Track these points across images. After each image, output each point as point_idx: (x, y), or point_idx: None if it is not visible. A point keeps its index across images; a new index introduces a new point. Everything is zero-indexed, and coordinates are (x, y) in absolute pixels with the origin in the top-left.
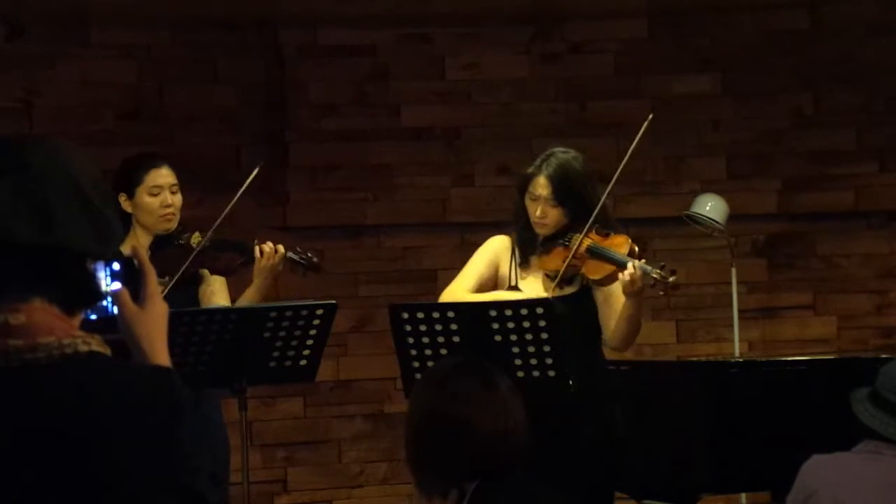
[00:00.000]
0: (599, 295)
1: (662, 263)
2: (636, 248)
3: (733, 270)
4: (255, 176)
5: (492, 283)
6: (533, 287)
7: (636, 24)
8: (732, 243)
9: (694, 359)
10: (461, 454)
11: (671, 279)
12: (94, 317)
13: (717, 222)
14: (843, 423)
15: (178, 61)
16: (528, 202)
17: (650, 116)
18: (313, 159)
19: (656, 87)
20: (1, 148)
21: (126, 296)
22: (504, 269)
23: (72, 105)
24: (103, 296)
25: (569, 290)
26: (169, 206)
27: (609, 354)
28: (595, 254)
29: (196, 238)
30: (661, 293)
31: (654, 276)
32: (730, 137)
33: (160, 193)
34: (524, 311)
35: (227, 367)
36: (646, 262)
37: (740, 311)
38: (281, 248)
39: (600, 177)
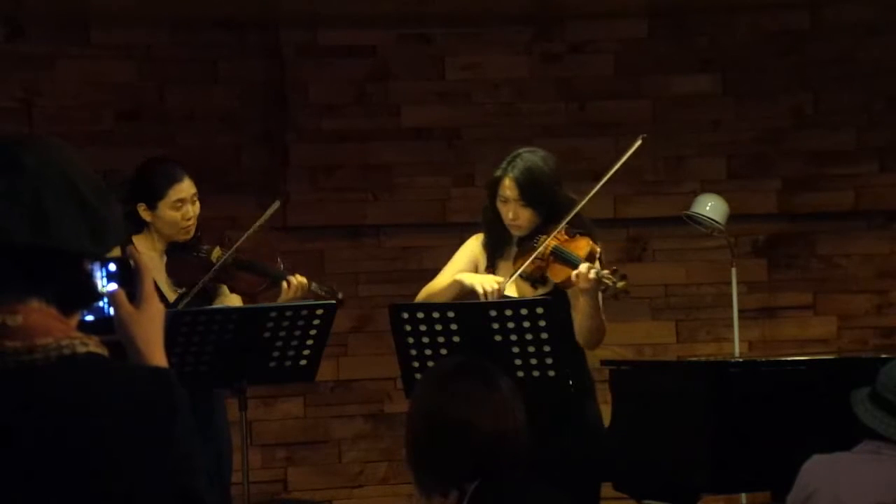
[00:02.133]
0: (569, 295)
1: (614, 268)
2: (596, 251)
3: (733, 270)
4: (274, 209)
5: None
6: (507, 288)
7: (636, 24)
8: (732, 243)
9: (694, 359)
10: (461, 454)
11: (619, 284)
12: (90, 318)
13: (717, 222)
14: (843, 423)
15: (178, 61)
16: (499, 205)
17: (640, 139)
18: (313, 159)
19: (656, 87)
20: None
21: (122, 297)
22: (482, 268)
23: (72, 105)
24: (100, 296)
25: (542, 291)
26: (190, 218)
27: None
28: (557, 256)
29: (216, 253)
30: (613, 297)
31: (606, 281)
32: (730, 137)
33: (182, 207)
34: (524, 311)
35: (228, 367)
36: (601, 267)
37: (740, 311)
38: (304, 280)
39: (600, 176)
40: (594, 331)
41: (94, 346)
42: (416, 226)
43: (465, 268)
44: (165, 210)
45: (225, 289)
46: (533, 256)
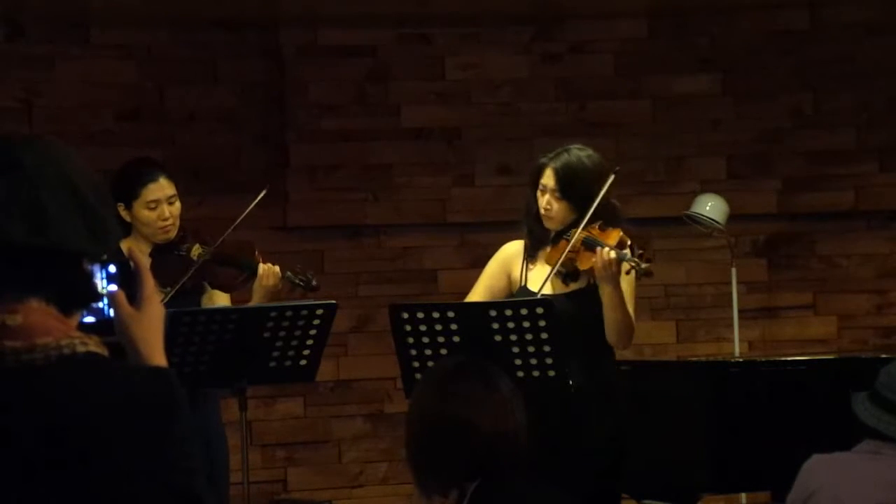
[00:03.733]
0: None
1: (641, 251)
2: (627, 241)
3: (733, 270)
4: (261, 197)
5: (506, 290)
6: (538, 278)
7: (636, 24)
8: (732, 243)
9: (694, 359)
10: (461, 454)
11: (644, 265)
12: (90, 319)
13: (717, 222)
14: (843, 423)
15: (178, 61)
16: (537, 194)
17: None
18: (313, 159)
19: (656, 87)
20: None
21: (122, 298)
22: (516, 272)
23: (72, 105)
24: (100, 296)
25: (574, 287)
26: (166, 218)
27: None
28: (588, 245)
29: (196, 250)
30: (637, 279)
31: (630, 263)
32: (730, 137)
33: (157, 207)
34: (524, 311)
35: (228, 367)
36: (631, 254)
37: (740, 311)
38: (277, 269)
39: None
40: (620, 325)
41: (93, 345)
42: (416, 226)
43: (496, 280)
44: (140, 210)
45: (211, 295)
46: (567, 249)
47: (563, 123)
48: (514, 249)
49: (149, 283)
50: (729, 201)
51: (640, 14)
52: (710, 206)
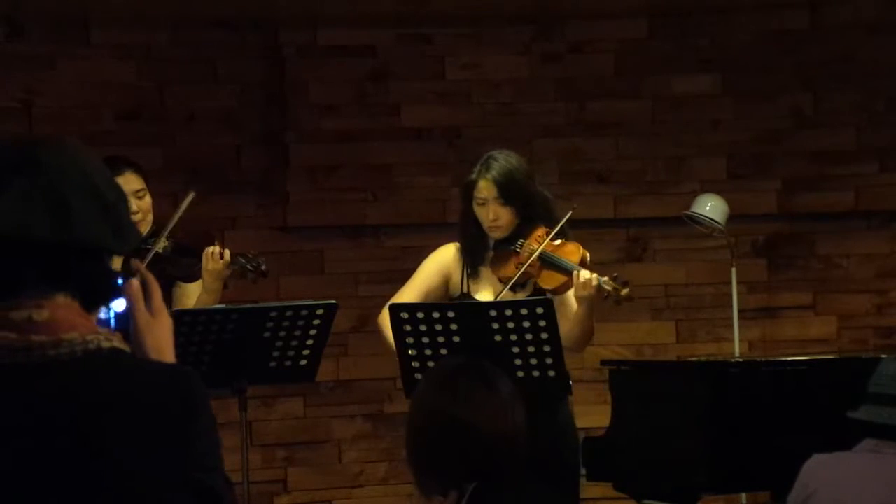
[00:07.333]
0: (554, 299)
1: (615, 274)
2: (587, 256)
3: (733, 270)
4: (192, 200)
5: (441, 291)
6: (486, 294)
7: (636, 24)
8: (732, 243)
9: (694, 359)
10: (461, 455)
11: (623, 291)
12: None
13: (717, 222)
14: (843, 423)
15: (178, 61)
16: (476, 209)
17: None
18: (313, 159)
19: (656, 87)
20: (15, 147)
21: (142, 303)
22: (456, 277)
23: (72, 105)
24: (120, 293)
25: (521, 294)
26: (135, 212)
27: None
28: (548, 263)
29: (162, 243)
30: (616, 304)
31: (607, 288)
32: (730, 137)
33: None
34: (524, 311)
35: (227, 367)
36: (599, 274)
37: (740, 311)
38: (227, 253)
39: (600, 176)
40: (585, 335)
41: (117, 341)
42: (416, 226)
43: (432, 281)
44: None
45: (183, 285)
46: (524, 266)
47: (563, 123)
48: (453, 253)
49: (157, 295)
50: (729, 201)
51: (640, 14)
52: (710, 206)
